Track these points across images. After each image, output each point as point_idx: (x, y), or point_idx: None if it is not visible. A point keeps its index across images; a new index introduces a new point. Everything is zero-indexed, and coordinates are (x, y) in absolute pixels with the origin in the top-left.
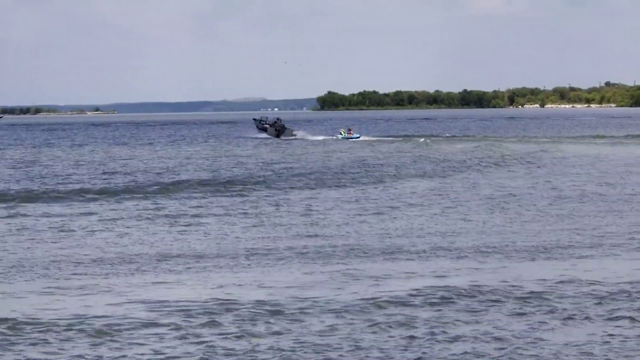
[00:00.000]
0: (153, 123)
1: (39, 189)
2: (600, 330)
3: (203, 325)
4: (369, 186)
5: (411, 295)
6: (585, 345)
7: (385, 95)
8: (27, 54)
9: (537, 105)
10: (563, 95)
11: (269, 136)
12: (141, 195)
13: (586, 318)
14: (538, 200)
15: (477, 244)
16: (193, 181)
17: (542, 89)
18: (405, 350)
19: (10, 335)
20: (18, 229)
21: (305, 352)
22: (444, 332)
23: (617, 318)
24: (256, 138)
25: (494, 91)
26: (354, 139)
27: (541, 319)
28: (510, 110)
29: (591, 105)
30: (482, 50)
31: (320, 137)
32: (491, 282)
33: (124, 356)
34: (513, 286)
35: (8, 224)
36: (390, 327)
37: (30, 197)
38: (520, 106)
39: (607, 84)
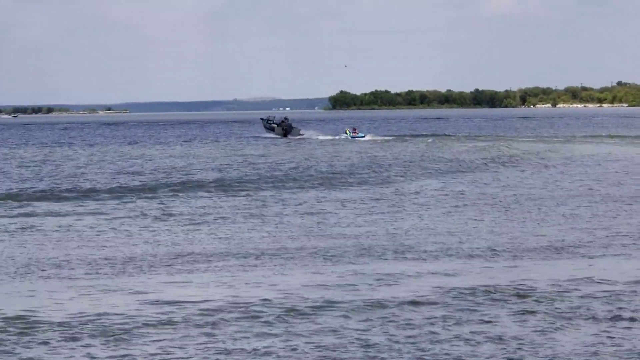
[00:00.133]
0: (164, 122)
1: (50, 188)
2: (611, 331)
3: (213, 325)
4: (377, 186)
5: (421, 294)
6: (595, 346)
7: (397, 94)
8: (39, 53)
9: (549, 105)
10: (575, 94)
11: (276, 136)
12: (151, 195)
13: (597, 318)
14: (548, 199)
15: (487, 243)
16: (202, 181)
17: (554, 88)
18: (415, 349)
19: (21, 335)
20: (29, 228)
21: (315, 352)
22: (454, 331)
23: (628, 319)
24: (264, 137)
25: (506, 91)
26: (359, 138)
27: (551, 319)
28: (522, 110)
29: (603, 104)
30: (494, 49)
31: (325, 137)
32: (501, 282)
33: (134, 356)
34: (523, 286)
35: (19, 223)
36: (399, 326)
37: (41, 196)
38: (532, 106)
39: (619, 83)
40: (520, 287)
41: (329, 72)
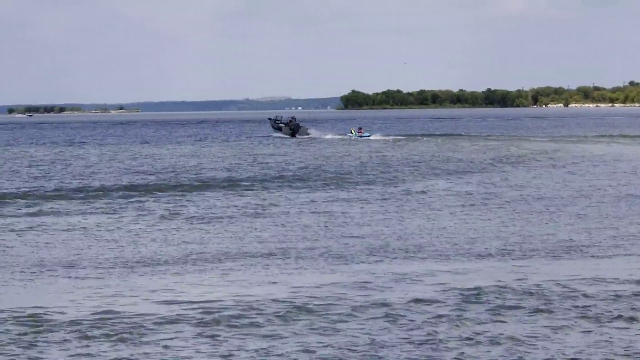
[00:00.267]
0: (176, 122)
1: (60, 187)
2: (622, 332)
3: (224, 324)
4: (385, 186)
5: (431, 294)
6: (605, 347)
7: (409, 94)
8: (51, 53)
9: (561, 105)
10: (587, 94)
11: (284, 135)
12: (161, 194)
13: (607, 319)
14: (557, 199)
15: (496, 243)
16: (212, 180)
17: (565, 88)
18: (423, 349)
19: (31, 333)
20: (39, 227)
21: (324, 351)
22: (464, 332)
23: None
24: (272, 137)
25: (518, 90)
26: (364, 138)
27: (562, 319)
28: (534, 110)
29: (615, 104)
30: (506, 49)
31: (332, 136)
32: (511, 282)
33: (145, 354)
34: (533, 286)
35: (30, 222)
36: (408, 326)
37: (51, 195)
38: (544, 105)
39: (631, 83)
40: (529, 286)
41: (341, 71)
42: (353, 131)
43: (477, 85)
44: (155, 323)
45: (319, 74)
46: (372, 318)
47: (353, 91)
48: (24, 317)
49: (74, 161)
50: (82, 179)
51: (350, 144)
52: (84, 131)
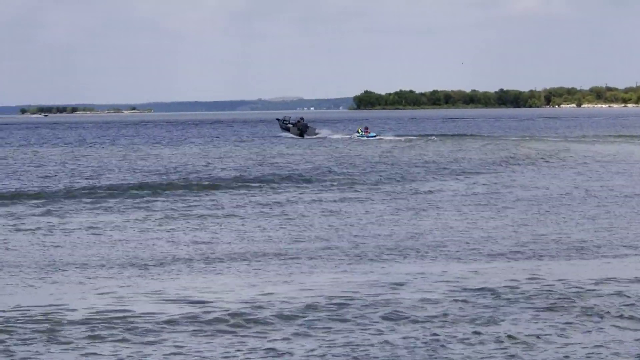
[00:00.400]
0: (188, 122)
1: (72, 187)
2: (634, 332)
3: (236, 323)
4: (396, 186)
5: (442, 294)
6: (617, 347)
7: (422, 94)
8: (64, 53)
9: (574, 105)
10: (600, 95)
11: (293, 135)
12: (172, 193)
13: (619, 319)
14: (569, 199)
15: (508, 243)
16: (223, 180)
17: (578, 88)
18: (434, 348)
19: (43, 333)
20: (51, 227)
21: (335, 350)
22: (474, 331)
23: None
24: (281, 137)
25: (531, 91)
26: (370, 137)
27: (573, 319)
28: (547, 110)
29: (628, 105)
30: (519, 49)
31: (339, 136)
32: (523, 282)
33: (158, 354)
34: (544, 286)
35: (41, 221)
36: (420, 326)
37: (63, 195)
38: (556, 106)
39: None
40: (541, 286)
41: (353, 71)
42: (359, 131)
43: (490, 85)
44: (167, 322)
45: (332, 74)
46: (383, 317)
47: (365, 91)
48: (36, 316)
49: (85, 161)
50: (92, 179)
51: (358, 144)
52: (98, 131)
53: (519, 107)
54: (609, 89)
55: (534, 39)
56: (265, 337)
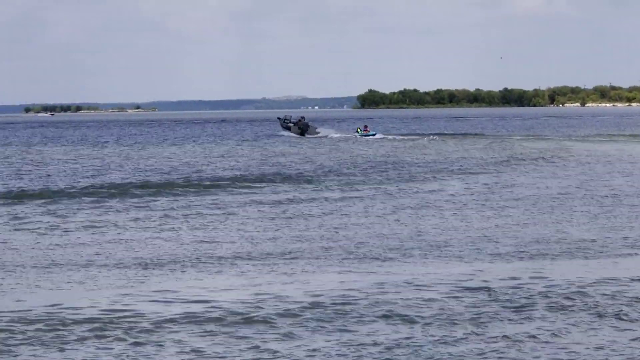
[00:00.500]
0: (193, 120)
1: (74, 186)
2: (634, 332)
3: (239, 323)
4: (397, 185)
5: (444, 293)
6: (621, 348)
7: (426, 93)
8: (67, 52)
9: (578, 104)
10: (604, 94)
11: (293, 134)
12: (173, 193)
13: (623, 318)
14: (570, 199)
15: (511, 242)
16: (224, 180)
17: (582, 87)
18: (438, 349)
19: (48, 332)
20: (54, 226)
21: (338, 350)
22: (478, 331)
23: None
24: (282, 136)
25: (535, 90)
26: (370, 136)
27: (574, 319)
28: (551, 109)
29: (632, 104)
30: (523, 48)
31: (339, 135)
32: (526, 281)
33: (162, 353)
34: (548, 285)
35: (42, 221)
36: (421, 326)
37: (65, 194)
38: (560, 105)
39: None
40: (544, 286)
41: (357, 71)
42: (359, 130)
43: (494, 84)
44: (169, 321)
45: (336, 73)
46: (385, 317)
47: (370, 90)
48: (37, 316)
49: (89, 160)
50: (95, 178)
51: (359, 143)
52: (103, 130)
53: (522, 106)
54: (613, 88)
55: (538, 38)
56: (267, 337)
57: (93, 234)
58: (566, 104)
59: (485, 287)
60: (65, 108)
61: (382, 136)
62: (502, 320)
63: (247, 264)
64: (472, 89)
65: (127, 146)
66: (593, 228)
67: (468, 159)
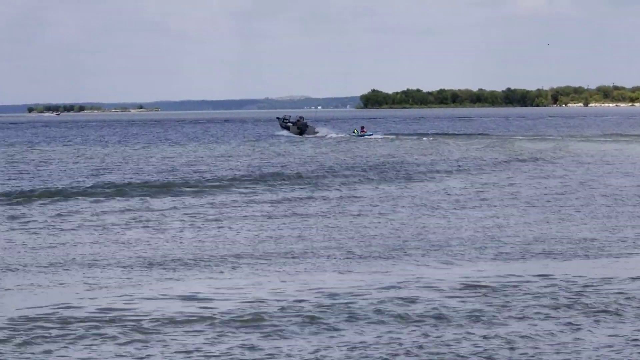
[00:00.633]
0: (196, 120)
1: (75, 185)
2: (635, 332)
3: (240, 323)
4: (397, 185)
5: (446, 293)
6: (619, 347)
7: (429, 93)
8: (70, 52)
9: (581, 104)
10: (607, 94)
11: (292, 134)
12: (174, 193)
13: (623, 318)
14: (572, 198)
15: (513, 241)
16: (225, 179)
17: (585, 87)
18: (440, 349)
19: (51, 330)
20: (56, 225)
21: (340, 351)
22: (481, 331)
23: None
24: (280, 136)
25: (538, 90)
26: (367, 137)
27: (576, 318)
28: (554, 109)
29: (635, 103)
30: (526, 49)
31: (336, 135)
32: (526, 281)
33: (166, 353)
34: (548, 285)
35: (45, 221)
36: (424, 325)
37: (68, 193)
38: (563, 105)
39: None
40: (547, 285)
41: (360, 70)
42: (356, 130)
43: (497, 84)
44: (171, 321)
45: (339, 73)
46: (387, 316)
47: (373, 90)
48: (39, 315)
49: (91, 160)
50: (96, 178)
51: (358, 143)
52: (108, 130)
53: (525, 106)
54: (616, 88)
55: (541, 38)
56: (269, 337)
57: (93, 233)
58: (569, 104)
59: (486, 287)
60: (68, 108)
61: (381, 136)
62: (502, 320)
63: (247, 264)
64: (474, 89)
65: (128, 146)
66: (593, 228)
67: (469, 158)
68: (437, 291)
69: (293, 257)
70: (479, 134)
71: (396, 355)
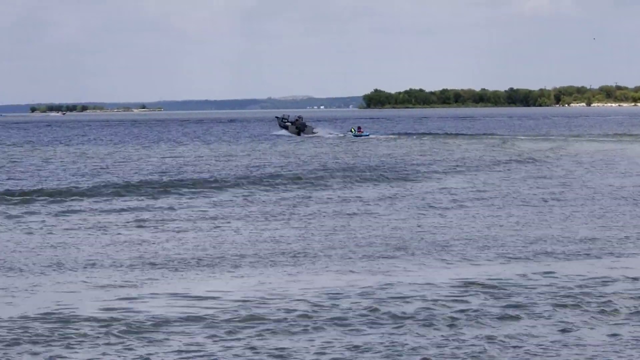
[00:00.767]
0: (198, 120)
1: (75, 186)
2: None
3: (241, 323)
4: (397, 184)
5: (447, 293)
6: (620, 347)
7: (432, 93)
8: (72, 52)
9: (584, 104)
10: (609, 93)
11: (290, 134)
12: (174, 192)
13: (623, 317)
14: (573, 198)
15: (514, 241)
16: (225, 179)
17: (588, 87)
18: (443, 349)
19: (53, 330)
20: (58, 225)
21: (341, 351)
22: (483, 331)
23: None
24: (278, 136)
25: (540, 89)
26: (364, 137)
27: (578, 318)
28: (556, 109)
29: (638, 103)
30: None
31: (331, 135)
32: (527, 281)
33: (166, 352)
34: (550, 284)
35: (46, 221)
36: (425, 325)
37: (68, 193)
38: (566, 105)
39: None
40: (548, 285)
41: (363, 70)
42: (353, 130)
43: (500, 84)
44: (172, 321)
45: (342, 72)
46: (388, 316)
47: (375, 90)
48: (41, 315)
49: (91, 159)
50: (96, 178)
51: (357, 143)
52: (106, 129)
53: (528, 106)
54: (618, 87)
55: (544, 38)
56: (269, 336)
57: (94, 233)
58: (572, 104)
59: (487, 286)
60: (71, 108)
61: (380, 137)
62: (503, 320)
63: (248, 264)
64: (477, 88)
65: (129, 145)
66: (594, 227)
67: (469, 158)
68: (437, 291)
69: (293, 257)
70: (483, 134)
71: (397, 355)
